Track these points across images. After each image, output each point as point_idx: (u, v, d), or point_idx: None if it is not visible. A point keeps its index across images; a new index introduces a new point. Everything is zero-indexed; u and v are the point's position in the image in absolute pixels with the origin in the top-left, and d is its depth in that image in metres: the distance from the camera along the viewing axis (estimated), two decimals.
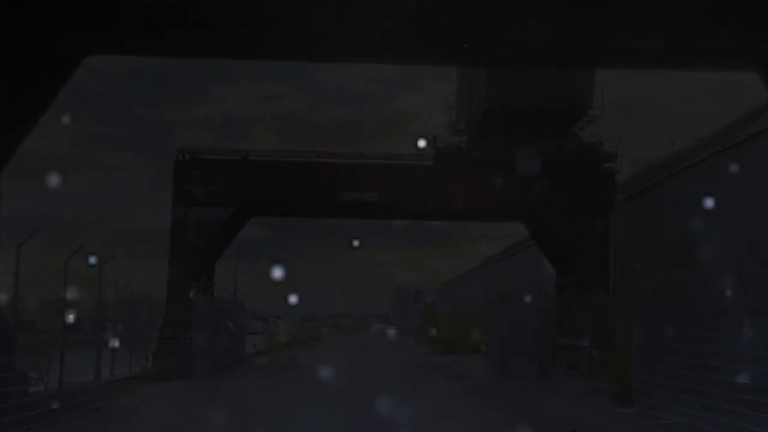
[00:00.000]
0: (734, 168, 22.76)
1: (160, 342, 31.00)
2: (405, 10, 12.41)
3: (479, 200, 32.38)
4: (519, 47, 13.14)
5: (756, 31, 11.34)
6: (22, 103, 13.88)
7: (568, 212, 31.79)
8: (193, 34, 13.72)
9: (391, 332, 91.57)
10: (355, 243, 63.87)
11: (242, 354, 38.97)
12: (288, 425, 16.03)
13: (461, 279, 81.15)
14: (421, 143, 33.62)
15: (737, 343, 14.80)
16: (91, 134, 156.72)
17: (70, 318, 20.24)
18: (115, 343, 24.13)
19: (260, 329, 63.89)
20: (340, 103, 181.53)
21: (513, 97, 31.89)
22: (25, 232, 15.47)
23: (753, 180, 21.58)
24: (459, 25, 12.61)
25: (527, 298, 34.72)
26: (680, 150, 31.55)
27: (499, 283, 52.00)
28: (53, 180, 22.60)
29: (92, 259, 19.40)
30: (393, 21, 12.40)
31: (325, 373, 30.41)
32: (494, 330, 39.46)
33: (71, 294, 18.66)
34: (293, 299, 53.65)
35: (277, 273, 34.76)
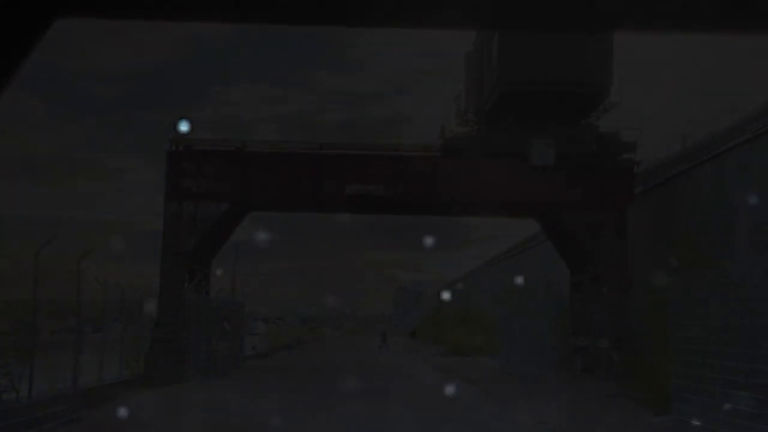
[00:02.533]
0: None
1: (151, 344, 29.29)
2: None
3: (490, 193, 30.53)
4: (539, 6, 10.89)
5: None
6: None
7: (585, 205, 29.97)
8: None
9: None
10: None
11: (240, 356, 37.24)
12: None
13: (465, 279, 79.54)
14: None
15: None
16: (94, 136, 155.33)
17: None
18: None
19: (261, 330, 62.40)
20: (343, 104, 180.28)
21: (527, 81, 30.05)
22: (27, 233, 14.50)
23: None
24: None
25: (539, 298, 33.00)
26: (697, 143, 29.66)
27: (506, 282, 50.38)
28: (56, 182, 21.78)
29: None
30: None
31: (328, 379, 28.63)
32: (504, 331, 37.80)
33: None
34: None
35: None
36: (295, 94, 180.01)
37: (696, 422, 15.82)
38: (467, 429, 16.32)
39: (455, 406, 20.25)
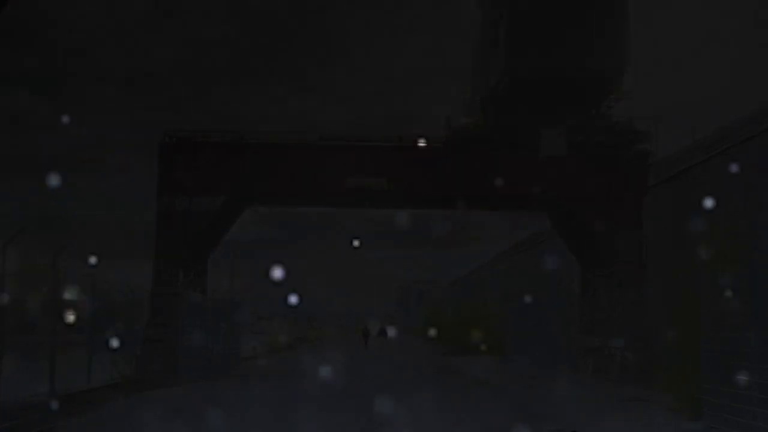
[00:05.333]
0: None
1: (143, 345, 27.93)
2: None
3: (498, 186, 29.16)
4: None
5: None
6: None
7: (598, 198, 28.63)
8: None
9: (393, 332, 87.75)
10: (356, 242, 61.90)
11: (237, 358, 35.86)
12: None
13: (469, 277, 78.18)
14: (421, 143, 30.16)
15: None
16: (95, 137, 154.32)
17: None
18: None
19: (263, 330, 61.36)
20: (346, 105, 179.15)
21: (536, 68, 28.66)
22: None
23: None
24: None
25: (549, 296, 31.70)
26: (710, 135, 28.12)
27: (511, 280, 49.06)
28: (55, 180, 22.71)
29: None
30: None
31: (328, 381, 27.23)
32: (512, 330, 36.49)
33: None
34: (293, 299, 51.25)
35: (277, 273, 32.56)
36: (294, 95, 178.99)
37: (732, 431, 14.39)
38: None
39: (467, 409, 18.85)
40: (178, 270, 29.28)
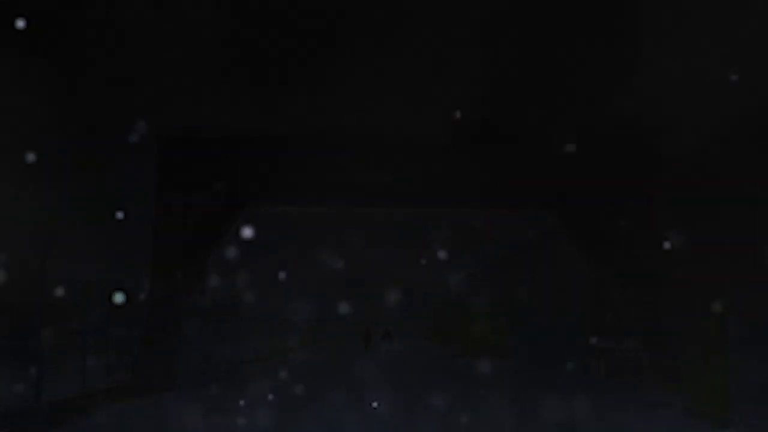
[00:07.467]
0: None
1: (140, 347, 27.05)
2: None
3: (504, 184, 28.31)
4: None
5: None
6: None
7: (608, 195, 27.73)
8: None
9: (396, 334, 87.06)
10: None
11: (238, 360, 35.06)
12: None
13: (475, 277, 77.48)
14: (424, 141, 29.27)
15: None
16: (93, 135, 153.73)
17: None
18: None
19: (265, 332, 60.71)
20: (347, 103, 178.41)
21: (542, 62, 27.73)
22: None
23: None
24: None
25: (559, 296, 30.84)
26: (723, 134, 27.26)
27: (520, 280, 48.30)
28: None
29: None
30: None
31: (328, 385, 26.40)
32: (520, 331, 35.67)
33: None
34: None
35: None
36: (295, 94, 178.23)
37: None
38: None
39: (475, 418, 17.96)
40: (177, 271, 28.45)
